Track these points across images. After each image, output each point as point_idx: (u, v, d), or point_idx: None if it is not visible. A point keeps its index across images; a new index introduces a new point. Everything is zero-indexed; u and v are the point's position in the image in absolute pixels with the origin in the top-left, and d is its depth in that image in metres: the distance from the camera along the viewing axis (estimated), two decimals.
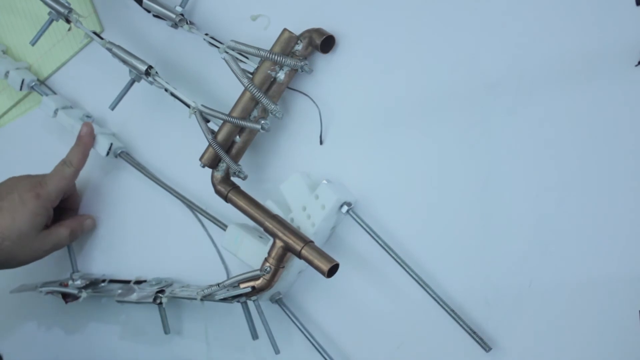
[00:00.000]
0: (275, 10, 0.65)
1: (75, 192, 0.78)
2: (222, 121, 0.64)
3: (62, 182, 0.74)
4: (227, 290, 0.64)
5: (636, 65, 0.50)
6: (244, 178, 0.65)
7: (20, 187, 0.72)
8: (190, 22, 0.68)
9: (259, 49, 0.61)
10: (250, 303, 0.65)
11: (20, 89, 0.81)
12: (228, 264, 0.72)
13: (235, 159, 0.64)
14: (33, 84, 0.81)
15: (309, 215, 0.62)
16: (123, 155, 0.76)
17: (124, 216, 0.79)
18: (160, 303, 0.71)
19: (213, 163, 0.65)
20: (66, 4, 0.71)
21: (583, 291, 0.54)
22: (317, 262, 0.57)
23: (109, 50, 0.69)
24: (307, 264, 0.58)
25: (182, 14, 0.67)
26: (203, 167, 0.66)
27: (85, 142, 0.75)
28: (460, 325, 0.58)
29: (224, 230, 0.68)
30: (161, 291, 0.72)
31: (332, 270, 0.56)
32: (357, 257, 0.63)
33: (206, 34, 0.65)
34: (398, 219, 0.61)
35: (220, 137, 0.64)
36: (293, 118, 0.66)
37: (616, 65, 0.52)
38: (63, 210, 0.78)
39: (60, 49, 0.81)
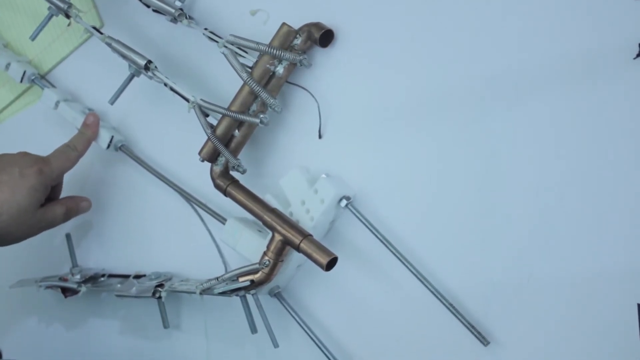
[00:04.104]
0: (274, 4, 0.65)
1: (61, 182, 0.77)
2: (221, 115, 0.64)
3: (67, 164, 0.74)
4: (226, 284, 0.64)
5: (634, 58, 0.50)
6: (243, 172, 0.65)
7: (21, 162, 0.71)
8: (189, 16, 0.68)
9: (258, 43, 0.61)
10: (249, 297, 0.65)
11: (21, 81, 0.81)
12: (227, 257, 0.72)
13: (234, 153, 0.65)
14: (34, 77, 0.81)
15: (308, 209, 0.62)
16: (123, 148, 0.77)
17: (124, 210, 0.79)
18: (160, 297, 0.71)
19: (212, 157, 0.65)
20: None
21: (582, 285, 0.54)
22: (315, 255, 0.57)
23: (109, 45, 0.69)
24: (305, 258, 0.58)
25: (181, 9, 0.67)
26: (202, 161, 0.66)
27: (92, 130, 0.75)
28: (459, 319, 0.58)
29: (223, 224, 0.68)
30: (160, 285, 0.72)
31: (331, 263, 0.56)
32: (356, 251, 0.64)
33: (205, 29, 0.65)
34: (397, 213, 0.61)
35: (219, 131, 0.64)
36: (292, 112, 0.66)
37: (614, 59, 0.51)
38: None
39: (60, 44, 0.81)
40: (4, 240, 0.71)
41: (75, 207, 0.77)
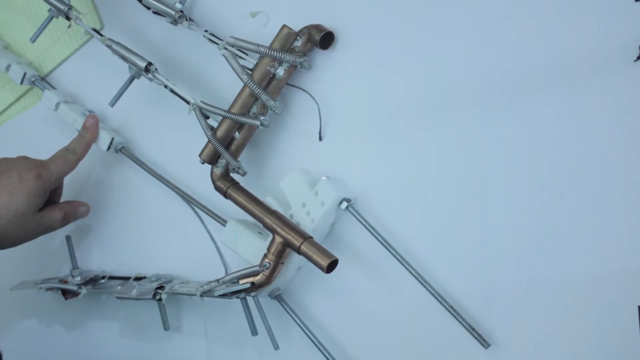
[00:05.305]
0: (275, 6, 0.65)
1: (61, 185, 0.77)
2: (221, 117, 0.64)
3: (65, 167, 0.74)
4: (227, 286, 0.64)
5: (635, 61, 0.50)
6: (243, 174, 0.65)
7: (20, 167, 0.71)
8: (189, 18, 0.68)
9: (258, 45, 0.61)
10: (249, 299, 0.65)
11: (22, 83, 0.81)
12: (227, 260, 0.72)
13: (235, 155, 0.65)
14: (34, 78, 0.81)
15: (309, 211, 0.62)
16: (124, 150, 0.77)
17: (124, 211, 0.79)
18: (160, 299, 0.71)
19: (212, 159, 0.65)
20: (66, 1, 0.71)
21: (581, 287, 0.54)
22: (316, 257, 0.57)
23: (109, 47, 0.69)
24: (306, 260, 0.58)
25: (181, 11, 0.67)
26: (202, 163, 0.66)
27: (91, 132, 0.75)
28: (459, 322, 0.58)
29: (224, 226, 0.68)
30: (161, 287, 0.72)
31: (332, 265, 0.56)
32: (357, 253, 0.64)
33: (205, 31, 0.65)
34: (397, 215, 0.61)
35: (219, 133, 0.64)
36: (292, 114, 0.66)
37: (615, 61, 0.51)
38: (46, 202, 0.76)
39: (60, 46, 0.81)
40: (2, 243, 0.72)
41: (74, 211, 0.77)
